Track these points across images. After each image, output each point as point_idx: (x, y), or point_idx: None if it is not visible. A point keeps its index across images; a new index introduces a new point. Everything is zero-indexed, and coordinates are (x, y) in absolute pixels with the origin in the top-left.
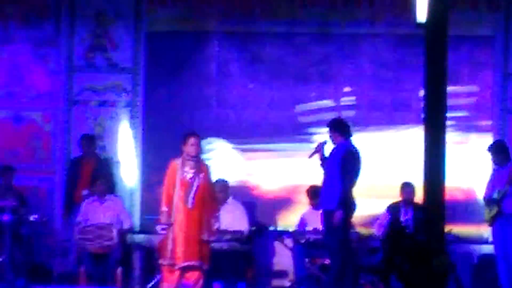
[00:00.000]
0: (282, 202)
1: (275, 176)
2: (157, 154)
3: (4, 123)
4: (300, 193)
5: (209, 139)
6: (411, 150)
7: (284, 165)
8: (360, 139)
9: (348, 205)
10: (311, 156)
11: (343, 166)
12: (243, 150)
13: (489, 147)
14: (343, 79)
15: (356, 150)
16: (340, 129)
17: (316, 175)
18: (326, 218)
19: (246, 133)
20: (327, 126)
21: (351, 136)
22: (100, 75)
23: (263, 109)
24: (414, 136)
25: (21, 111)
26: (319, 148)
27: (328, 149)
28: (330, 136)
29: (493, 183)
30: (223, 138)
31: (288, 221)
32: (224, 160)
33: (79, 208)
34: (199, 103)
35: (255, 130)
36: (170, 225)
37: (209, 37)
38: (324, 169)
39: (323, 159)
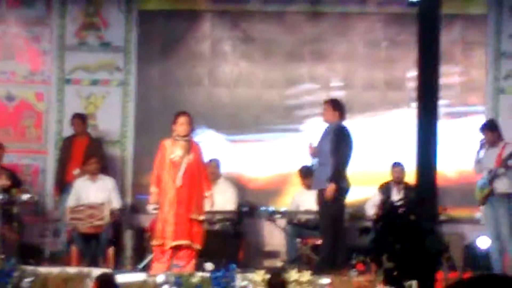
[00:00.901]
0: (274, 183)
1: (267, 156)
2: (149, 133)
3: None
4: (292, 173)
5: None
6: (403, 130)
7: (276, 145)
8: (352, 119)
9: (341, 184)
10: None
11: (336, 144)
12: (235, 131)
13: (481, 127)
14: (335, 58)
15: (347, 132)
16: (341, 109)
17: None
18: (320, 197)
19: (238, 112)
20: (328, 104)
21: (345, 119)
22: (92, 54)
23: (255, 88)
24: (406, 116)
25: (13, 90)
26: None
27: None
28: (326, 115)
29: (484, 164)
30: (214, 118)
31: (280, 201)
32: (215, 141)
33: (71, 187)
34: (191, 82)
35: (247, 109)
36: (159, 205)
37: (201, 16)
38: (318, 150)
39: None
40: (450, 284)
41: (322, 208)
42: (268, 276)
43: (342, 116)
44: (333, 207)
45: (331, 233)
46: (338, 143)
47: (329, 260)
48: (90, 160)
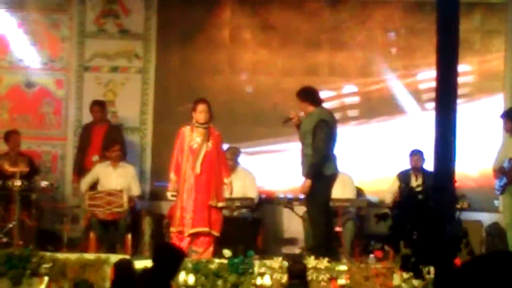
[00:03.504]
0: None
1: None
2: (168, 120)
3: (17, 89)
4: None
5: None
6: (422, 119)
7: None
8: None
9: (323, 173)
10: (284, 122)
11: (315, 135)
12: (254, 120)
13: (502, 114)
14: (355, 46)
15: (328, 117)
16: (309, 98)
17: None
18: (312, 183)
19: (256, 99)
20: (297, 97)
21: (322, 103)
22: (112, 41)
23: (274, 75)
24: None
25: (32, 77)
26: (294, 116)
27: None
28: (300, 108)
29: (503, 152)
30: (233, 106)
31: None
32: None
33: (90, 174)
34: (211, 69)
35: (266, 97)
36: (178, 192)
37: (220, 3)
38: (299, 139)
39: (299, 126)
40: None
41: (308, 197)
42: (286, 263)
43: (313, 103)
44: (319, 195)
45: (321, 220)
46: (318, 136)
47: (323, 247)
48: (113, 147)
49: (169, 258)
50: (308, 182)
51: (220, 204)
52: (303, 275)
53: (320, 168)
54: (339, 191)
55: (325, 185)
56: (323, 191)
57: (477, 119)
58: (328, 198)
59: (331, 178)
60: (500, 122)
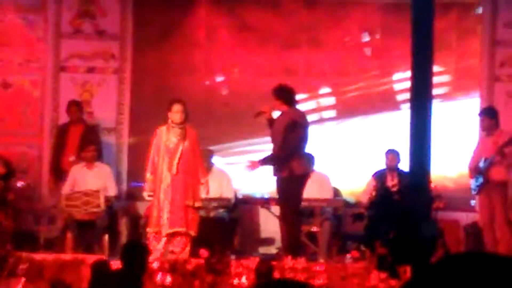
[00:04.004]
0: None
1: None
2: (145, 120)
3: None
4: None
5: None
6: (398, 119)
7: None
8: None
9: (295, 171)
10: (256, 116)
11: (285, 135)
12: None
13: (480, 112)
14: (331, 46)
15: (300, 118)
16: (283, 96)
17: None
18: (277, 185)
19: (233, 99)
20: (272, 95)
21: (295, 103)
22: (88, 42)
23: (251, 75)
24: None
25: (8, 78)
26: (266, 111)
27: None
28: (275, 106)
29: (479, 152)
30: (209, 106)
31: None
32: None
33: (66, 174)
34: (187, 69)
35: (243, 97)
36: (155, 192)
37: (196, 4)
38: (271, 137)
39: (270, 122)
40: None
41: (280, 196)
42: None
43: (286, 102)
44: (291, 195)
45: (295, 220)
46: (287, 137)
47: (299, 247)
48: (88, 147)
49: (135, 256)
50: (258, 164)
51: (197, 204)
52: (270, 275)
53: (280, 163)
54: (316, 191)
55: (298, 185)
56: (296, 191)
57: (453, 118)
58: (298, 198)
59: (303, 177)
60: (477, 121)
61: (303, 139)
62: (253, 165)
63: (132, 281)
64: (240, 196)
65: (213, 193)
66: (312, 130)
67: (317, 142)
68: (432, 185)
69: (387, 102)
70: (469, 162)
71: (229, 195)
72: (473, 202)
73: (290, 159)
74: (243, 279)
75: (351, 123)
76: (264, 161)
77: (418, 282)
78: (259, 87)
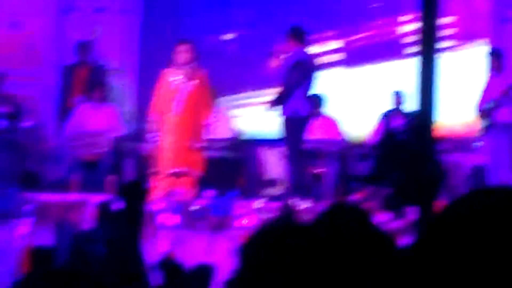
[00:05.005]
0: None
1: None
2: (154, 60)
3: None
4: None
5: None
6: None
7: None
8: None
9: (299, 114)
10: (269, 58)
11: (289, 74)
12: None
13: (489, 52)
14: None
15: (306, 59)
16: (294, 36)
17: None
18: (282, 126)
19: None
20: (287, 35)
21: (305, 44)
22: None
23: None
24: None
25: (15, 17)
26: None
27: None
28: (288, 46)
29: (487, 93)
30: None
31: None
32: None
33: (72, 115)
34: (199, 5)
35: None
36: (159, 133)
37: None
38: (278, 79)
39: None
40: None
41: (284, 137)
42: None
43: (296, 42)
44: (295, 136)
45: (297, 160)
46: (292, 77)
47: (301, 187)
48: (95, 88)
49: (135, 196)
50: (269, 106)
51: (201, 145)
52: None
53: (282, 102)
54: (324, 134)
55: (301, 125)
56: (299, 131)
57: (461, 65)
58: (301, 138)
59: (307, 118)
60: (485, 66)
61: (308, 80)
62: (270, 104)
63: (133, 222)
64: (245, 138)
65: (218, 133)
66: (321, 74)
67: (327, 85)
68: (438, 125)
69: (394, 46)
70: (477, 103)
71: (234, 135)
72: (480, 144)
73: (294, 99)
74: (249, 220)
75: (361, 66)
76: (273, 103)
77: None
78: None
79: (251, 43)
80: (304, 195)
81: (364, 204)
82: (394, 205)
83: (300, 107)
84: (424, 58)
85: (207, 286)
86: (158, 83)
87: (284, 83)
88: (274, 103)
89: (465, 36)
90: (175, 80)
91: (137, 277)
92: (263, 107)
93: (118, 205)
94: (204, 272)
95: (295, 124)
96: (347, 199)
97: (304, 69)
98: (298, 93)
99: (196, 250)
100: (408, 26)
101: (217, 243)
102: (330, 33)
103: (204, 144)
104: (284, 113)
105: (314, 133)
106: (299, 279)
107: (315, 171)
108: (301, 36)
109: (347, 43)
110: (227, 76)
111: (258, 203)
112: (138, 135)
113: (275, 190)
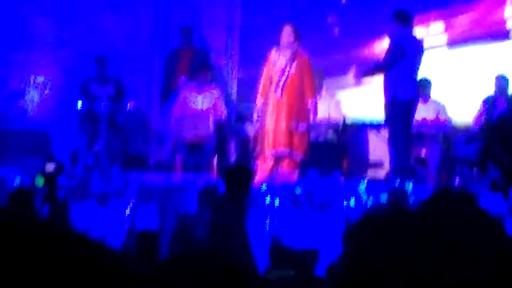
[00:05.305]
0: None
1: None
2: (257, 42)
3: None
4: None
5: None
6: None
7: None
8: None
9: (402, 98)
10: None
11: (389, 56)
12: None
13: None
14: None
15: (407, 41)
16: (398, 18)
17: None
18: (389, 108)
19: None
20: (393, 18)
21: (410, 27)
22: None
23: None
24: None
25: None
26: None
27: None
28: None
29: None
30: None
31: None
32: None
33: (176, 97)
34: None
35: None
36: (263, 114)
37: None
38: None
39: None
40: None
41: (386, 120)
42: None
43: (399, 25)
44: (399, 120)
45: (400, 143)
46: (389, 59)
47: (404, 170)
48: (199, 70)
49: (239, 179)
50: (356, 75)
51: (303, 127)
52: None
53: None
54: (428, 116)
55: (403, 109)
56: (401, 116)
57: None
58: (409, 122)
59: (409, 103)
60: None
61: (408, 63)
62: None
63: (238, 205)
64: (349, 121)
65: (321, 116)
66: (424, 57)
67: (430, 68)
68: None
69: (499, 29)
70: None
71: (338, 117)
72: None
73: (396, 83)
74: (353, 201)
75: (463, 50)
76: (365, 73)
77: None
78: None
79: (356, 24)
80: (409, 177)
81: (470, 187)
82: (502, 186)
83: (400, 91)
84: None
85: (313, 271)
86: (265, 64)
87: (382, 62)
88: (362, 74)
89: None
90: (280, 60)
91: (245, 261)
92: (366, 90)
93: (223, 188)
94: (310, 257)
95: (396, 109)
96: (452, 182)
97: (405, 52)
98: (400, 77)
99: (301, 232)
100: None
101: (321, 224)
102: (433, 14)
103: (308, 126)
104: (386, 97)
105: (419, 116)
106: (406, 268)
107: (419, 154)
108: (405, 19)
109: (450, 24)
110: (332, 58)
111: (362, 185)
112: (241, 117)
113: (380, 173)
